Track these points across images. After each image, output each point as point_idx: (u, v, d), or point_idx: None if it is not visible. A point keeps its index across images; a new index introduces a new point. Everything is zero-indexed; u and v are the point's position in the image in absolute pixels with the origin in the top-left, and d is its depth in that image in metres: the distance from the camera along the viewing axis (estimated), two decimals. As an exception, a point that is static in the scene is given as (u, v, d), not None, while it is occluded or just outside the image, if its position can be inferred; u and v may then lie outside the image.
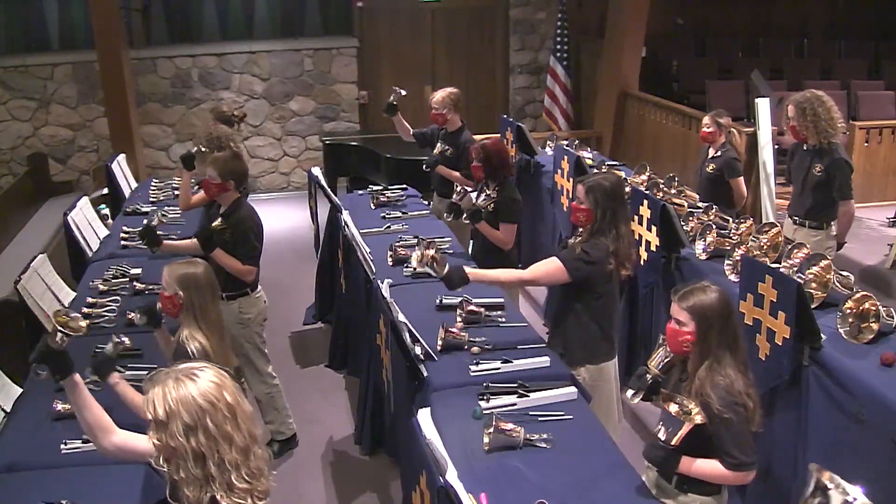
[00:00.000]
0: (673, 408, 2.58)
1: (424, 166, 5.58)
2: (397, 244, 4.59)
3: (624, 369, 4.49)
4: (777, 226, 4.29)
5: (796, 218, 4.90)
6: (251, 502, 1.92)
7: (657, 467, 2.72)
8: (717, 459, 2.63)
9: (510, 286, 3.41)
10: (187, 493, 1.89)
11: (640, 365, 2.98)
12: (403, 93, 5.69)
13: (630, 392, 2.87)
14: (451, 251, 4.63)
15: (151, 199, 5.90)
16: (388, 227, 5.06)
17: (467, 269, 3.43)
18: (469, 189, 4.65)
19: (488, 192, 4.41)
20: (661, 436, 2.60)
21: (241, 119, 5.62)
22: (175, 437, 1.87)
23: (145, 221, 4.14)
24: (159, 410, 1.88)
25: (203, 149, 4.83)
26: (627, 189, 5.06)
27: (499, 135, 6.44)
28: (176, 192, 5.91)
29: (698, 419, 2.55)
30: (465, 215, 4.47)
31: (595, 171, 5.16)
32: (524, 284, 3.39)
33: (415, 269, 3.46)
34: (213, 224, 4.04)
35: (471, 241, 4.99)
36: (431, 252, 3.35)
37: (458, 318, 3.68)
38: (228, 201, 4.14)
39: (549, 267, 3.46)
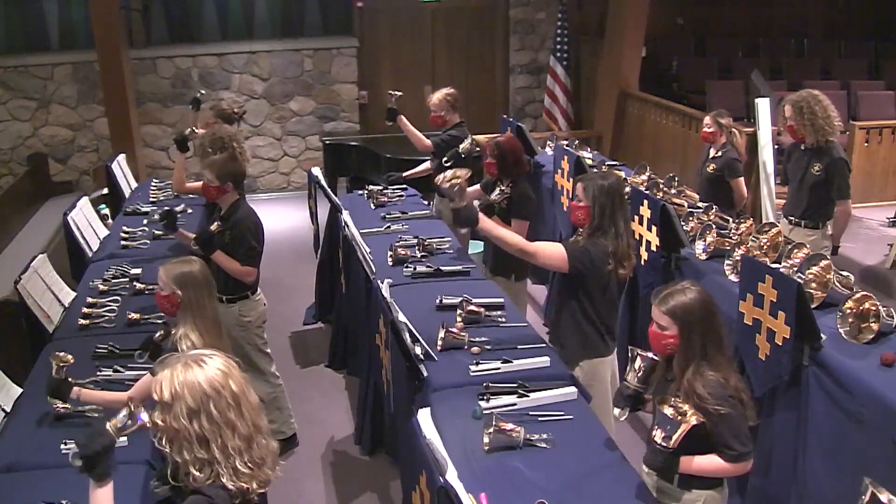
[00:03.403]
0: (668, 410, 2.57)
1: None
2: (397, 244, 4.59)
3: (623, 369, 4.49)
4: (777, 226, 4.29)
5: (792, 218, 4.91)
6: (255, 486, 1.99)
7: (658, 472, 2.71)
8: (716, 454, 2.64)
9: (508, 248, 3.42)
10: (194, 473, 1.95)
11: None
12: (399, 94, 5.68)
13: (617, 410, 2.90)
14: (451, 251, 4.64)
15: (151, 199, 5.90)
16: (388, 227, 5.06)
17: (482, 218, 3.38)
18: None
19: (502, 188, 4.41)
20: (658, 439, 2.59)
21: (241, 116, 5.62)
22: (178, 419, 1.93)
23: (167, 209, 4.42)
24: (165, 392, 1.95)
25: (190, 132, 5.14)
26: (627, 189, 5.08)
27: (511, 133, 6.40)
28: (176, 193, 5.90)
29: (694, 420, 2.55)
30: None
31: (595, 170, 5.16)
32: (524, 255, 3.44)
33: (439, 183, 3.41)
34: (212, 226, 4.04)
35: (470, 242, 4.99)
36: (461, 179, 3.33)
37: (458, 318, 3.68)
38: (228, 202, 4.14)
39: (553, 250, 3.47)
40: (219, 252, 4.01)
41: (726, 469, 2.66)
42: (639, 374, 2.85)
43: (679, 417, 2.56)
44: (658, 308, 2.76)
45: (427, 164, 5.78)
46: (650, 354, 2.86)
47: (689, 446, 2.60)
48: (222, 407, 1.95)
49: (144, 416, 2.06)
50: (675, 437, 2.56)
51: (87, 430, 2.06)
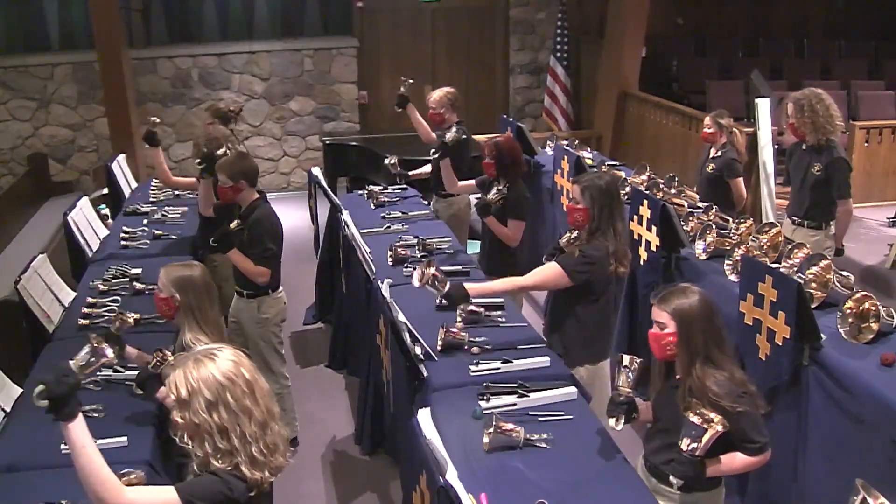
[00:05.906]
0: (695, 419, 2.57)
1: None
2: (397, 244, 4.59)
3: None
4: (777, 226, 4.29)
5: (795, 218, 4.91)
6: (268, 474, 2.06)
7: (689, 482, 2.69)
8: (739, 450, 2.65)
9: (512, 294, 3.44)
10: (215, 464, 2.01)
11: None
12: (411, 81, 5.66)
13: (612, 420, 2.83)
14: (451, 251, 4.64)
15: (151, 199, 5.90)
16: (388, 227, 5.06)
17: (467, 286, 3.43)
18: None
19: (499, 189, 4.42)
20: (685, 447, 2.58)
21: (237, 114, 5.60)
22: (198, 413, 1.99)
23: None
24: (182, 390, 2.01)
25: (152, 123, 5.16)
26: (627, 189, 5.08)
27: (510, 133, 6.40)
28: (176, 192, 5.90)
29: (720, 427, 2.55)
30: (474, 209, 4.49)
31: (594, 170, 5.16)
32: (524, 291, 3.44)
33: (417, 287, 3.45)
34: (231, 224, 4.03)
35: (469, 241, 4.99)
36: (432, 270, 3.30)
37: (458, 318, 3.68)
38: (247, 201, 4.12)
39: (550, 272, 3.48)
40: (235, 250, 4.00)
41: (752, 462, 2.68)
42: (630, 379, 2.82)
43: (706, 425, 2.55)
44: (657, 307, 2.77)
45: (430, 167, 5.79)
46: (638, 358, 2.84)
47: (710, 449, 2.61)
48: (238, 395, 2.01)
49: (109, 353, 2.02)
50: (702, 445, 2.56)
51: (53, 371, 1.91)
